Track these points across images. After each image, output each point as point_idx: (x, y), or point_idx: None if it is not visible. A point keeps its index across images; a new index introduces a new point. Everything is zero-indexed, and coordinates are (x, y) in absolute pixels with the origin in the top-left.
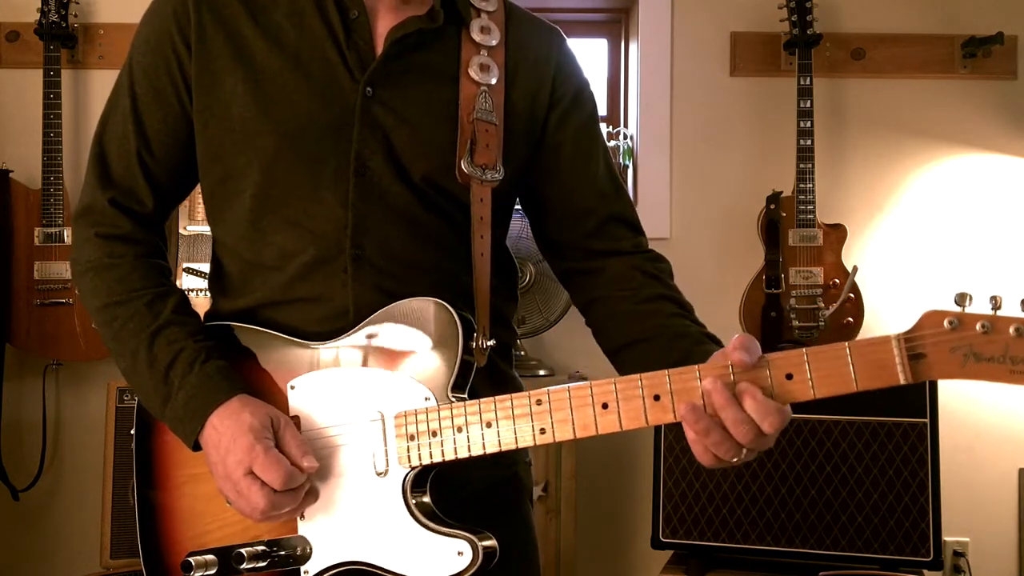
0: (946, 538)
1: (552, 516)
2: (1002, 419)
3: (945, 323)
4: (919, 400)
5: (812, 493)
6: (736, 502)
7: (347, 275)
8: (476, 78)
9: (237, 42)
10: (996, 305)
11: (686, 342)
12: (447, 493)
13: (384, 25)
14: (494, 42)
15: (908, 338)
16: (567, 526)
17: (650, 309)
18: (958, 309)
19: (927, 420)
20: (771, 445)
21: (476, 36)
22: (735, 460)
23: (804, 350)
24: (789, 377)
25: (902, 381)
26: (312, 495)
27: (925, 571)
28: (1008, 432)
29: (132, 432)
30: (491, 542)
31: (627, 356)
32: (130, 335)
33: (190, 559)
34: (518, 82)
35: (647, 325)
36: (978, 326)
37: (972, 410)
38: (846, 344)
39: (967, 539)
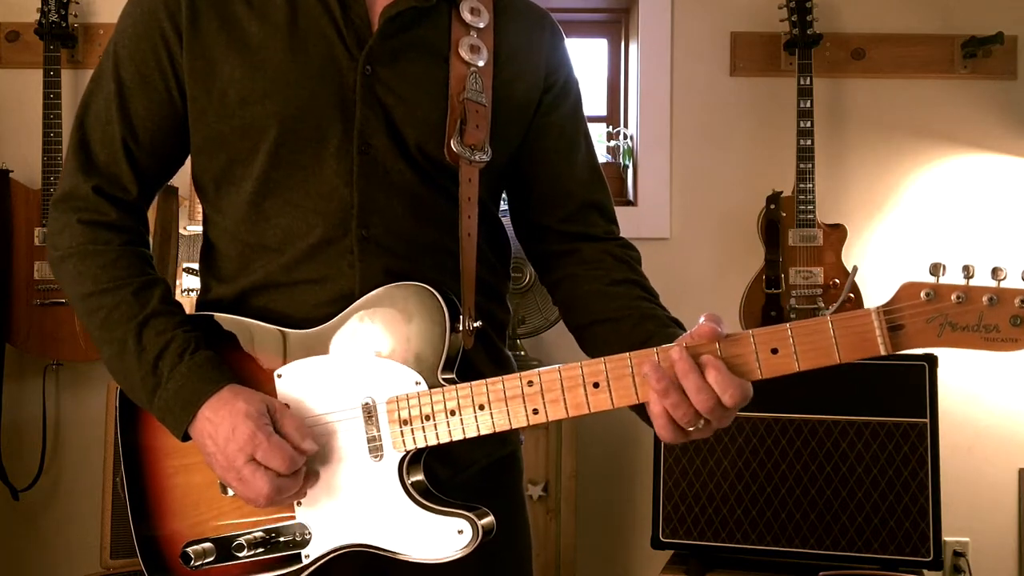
0: (946, 538)
1: (552, 516)
2: (1002, 419)
3: (922, 295)
4: (919, 400)
5: (812, 493)
6: (736, 502)
7: (354, 256)
8: (466, 58)
9: (232, 25)
10: (969, 275)
11: (652, 323)
12: (457, 470)
13: (378, 2)
14: (482, 24)
15: (887, 310)
16: (567, 526)
17: (618, 291)
18: (933, 280)
19: (927, 420)
20: (728, 423)
21: (466, 17)
22: (691, 430)
23: (788, 325)
24: (774, 351)
25: (882, 352)
26: (309, 481)
27: (925, 571)
28: (1008, 432)
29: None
30: (489, 519)
31: (593, 334)
32: (116, 324)
33: (188, 549)
34: (507, 66)
35: (615, 305)
36: (953, 296)
37: (972, 410)
38: (828, 318)
39: (967, 539)
